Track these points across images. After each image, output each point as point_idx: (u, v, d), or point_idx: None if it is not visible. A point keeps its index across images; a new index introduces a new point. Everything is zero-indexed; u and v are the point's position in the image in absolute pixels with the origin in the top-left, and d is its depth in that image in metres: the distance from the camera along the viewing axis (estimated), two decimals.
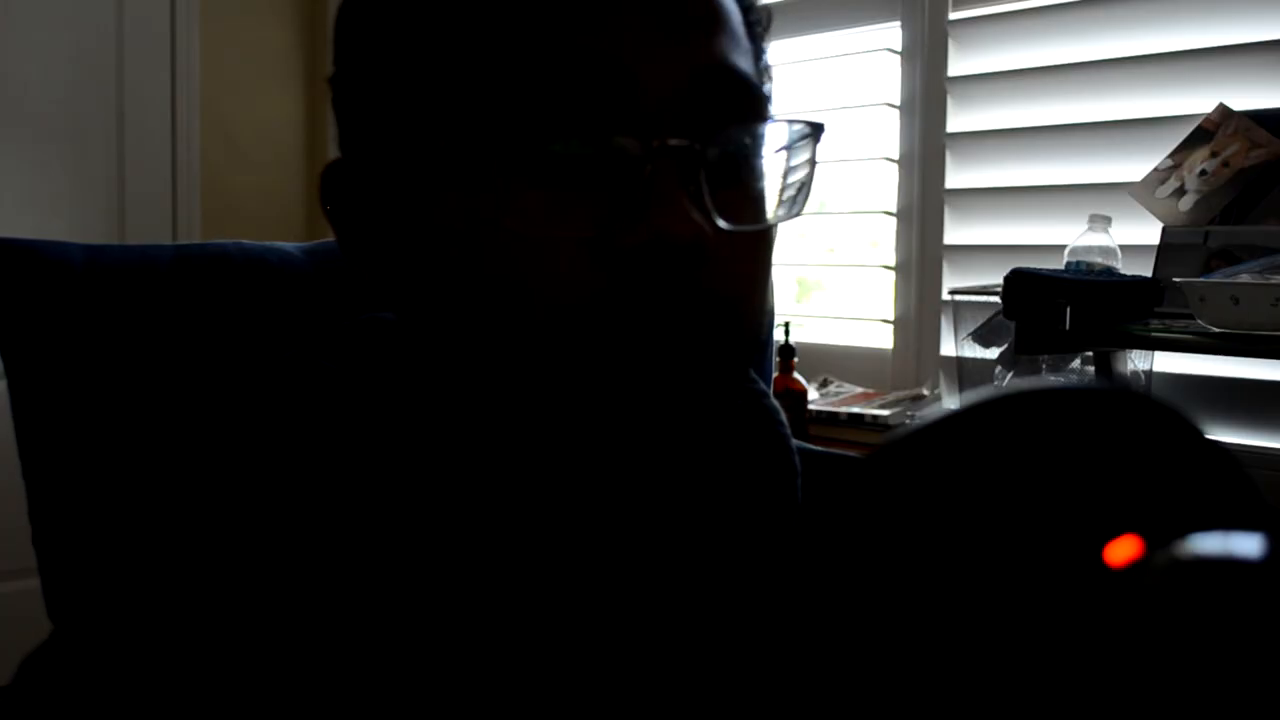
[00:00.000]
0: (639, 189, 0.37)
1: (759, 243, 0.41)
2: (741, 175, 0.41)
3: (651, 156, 0.37)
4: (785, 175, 0.42)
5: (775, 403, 0.50)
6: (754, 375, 0.50)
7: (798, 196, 0.42)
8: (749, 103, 0.41)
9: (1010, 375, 1.49)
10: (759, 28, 0.45)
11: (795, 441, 0.50)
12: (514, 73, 0.38)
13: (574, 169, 0.38)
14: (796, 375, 1.71)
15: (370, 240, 0.45)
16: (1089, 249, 1.40)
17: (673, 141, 0.38)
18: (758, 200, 0.41)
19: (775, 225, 0.42)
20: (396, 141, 0.42)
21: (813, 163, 0.42)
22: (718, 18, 0.41)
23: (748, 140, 0.41)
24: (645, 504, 0.42)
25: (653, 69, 0.38)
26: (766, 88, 0.45)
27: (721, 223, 0.38)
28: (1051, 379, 1.39)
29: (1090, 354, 1.40)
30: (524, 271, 0.38)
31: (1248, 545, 0.23)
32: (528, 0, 0.38)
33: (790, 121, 0.42)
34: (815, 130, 0.42)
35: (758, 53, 0.45)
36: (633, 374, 0.38)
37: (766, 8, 0.47)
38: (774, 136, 0.42)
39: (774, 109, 0.46)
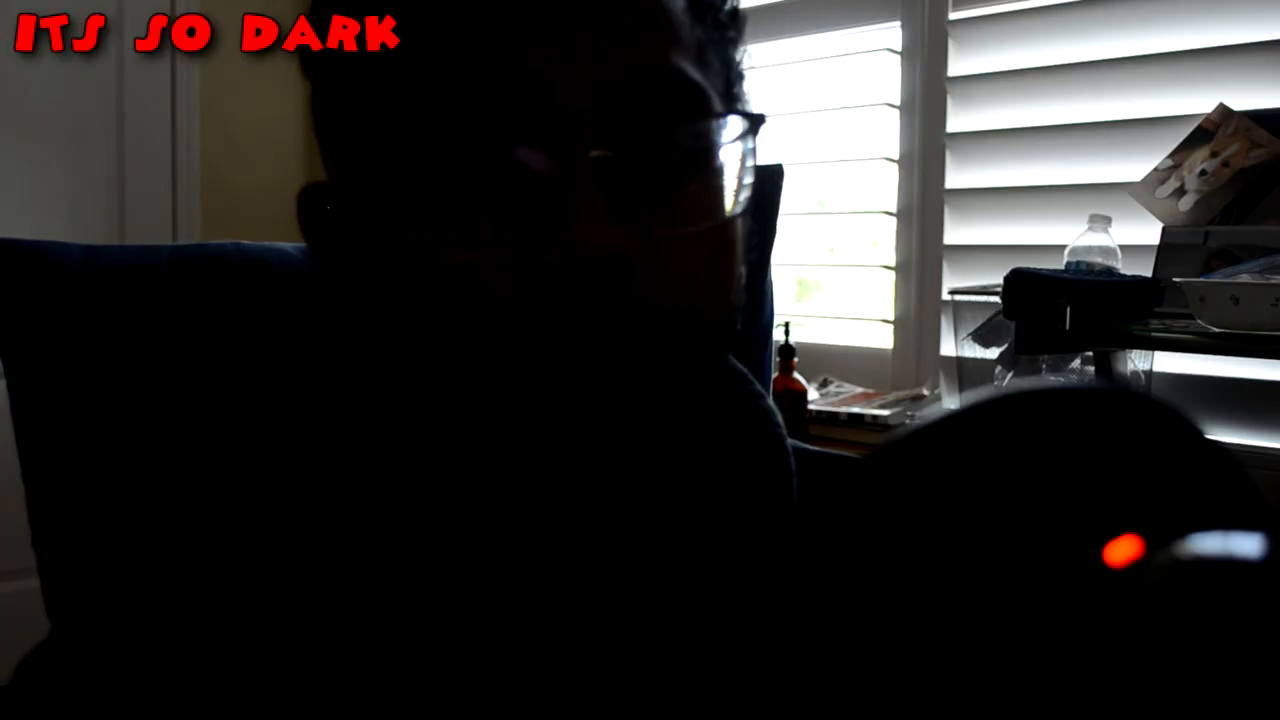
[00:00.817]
0: (550, 203, 0.36)
1: (707, 241, 0.40)
2: (675, 176, 0.39)
3: (564, 168, 0.36)
4: (727, 171, 0.41)
5: (772, 404, 0.50)
6: (750, 377, 0.50)
7: (739, 190, 0.41)
8: (680, 101, 0.40)
9: (1010, 375, 1.49)
10: (714, 14, 0.43)
11: (791, 442, 0.50)
12: (427, 93, 0.38)
13: (486, 187, 0.38)
14: (796, 375, 1.71)
15: (332, 263, 0.45)
16: (1089, 249, 1.40)
17: (590, 152, 0.37)
18: (699, 199, 0.40)
19: (729, 222, 0.41)
20: (349, 166, 0.42)
21: (753, 155, 0.41)
22: (642, 15, 0.39)
23: (681, 140, 0.40)
24: (640, 505, 0.42)
25: (565, 77, 0.37)
26: (724, 76, 0.43)
27: (652, 229, 0.37)
28: (1051, 379, 1.39)
29: (1090, 354, 1.40)
30: (450, 294, 0.38)
31: (1248, 545, 0.23)
32: (441, 19, 0.38)
33: (724, 115, 0.41)
34: (754, 121, 0.41)
35: (714, 39, 0.43)
36: (567, 390, 0.37)
37: None
38: (714, 132, 0.40)
39: (746, 91, 0.44)
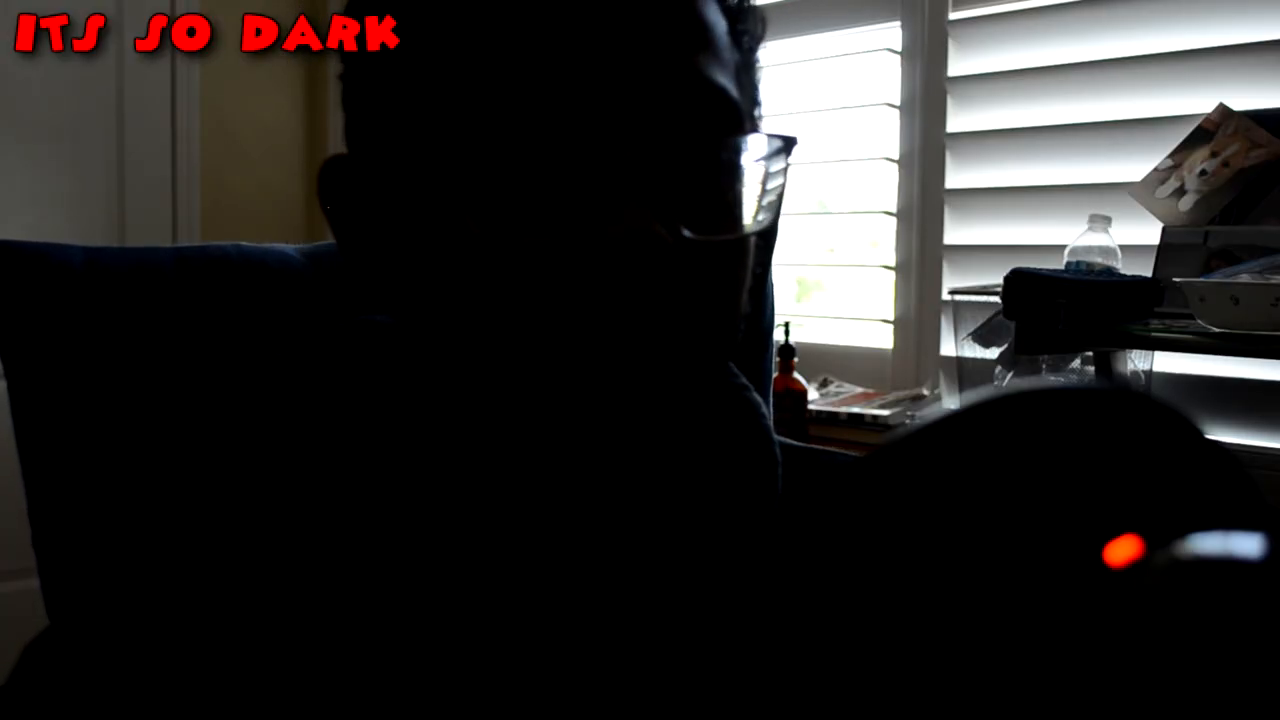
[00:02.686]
0: (601, 200, 0.38)
1: (729, 252, 0.42)
2: (711, 187, 0.41)
3: (615, 168, 0.38)
4: (757, 186, 0.43)
5: (757, 397, 0.51)
6: (735, 370, 0.51)
7: (768, 208, 0.43)
8: (723, 116, 0.42)
9: (1010, 375, 1.49)
10: (748, 38, 0.46)
11: (779, 438, 0.50)
12: (492, 83, 0.39)
13: (539, 177, 0.39)
14: (796, 375, 1.71)
15: (365, 237, 0.45)
16: (1089, 249, 1.40)
17: (639, 154, 0.38)
18: (727, 211, 0.42)
19: (749, 235, 0.43)
20: (392, 140, 0.42)
21: (784, 174, 0.43)
22: (695, 31, 0.41)
23: (719, 153, 0.42)
24: (625, 495, 0.43)
25: (628, 84, 0.39)
26: (751, 98, 0.46)
27: (687, 233, 0.39)
28: (1051, 379, 1.39)
29: (1090, 354, 1.40)
30: (491, 273, 0.39)
31: (1248, 545, 0.23)
32: (512, 14, 0.39)
33: (763, 135, 0.43)
34: (788, 143, 0.43)
35: (747, 64, 0.45)
36: (598, 374, 0.39)
37: (761, 18, 0.47)
38: (748, 149, 0.43)
39: (764, 116, 0.47)
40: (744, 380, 0.51)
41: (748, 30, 0.46)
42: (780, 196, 0.43)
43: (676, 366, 0.40)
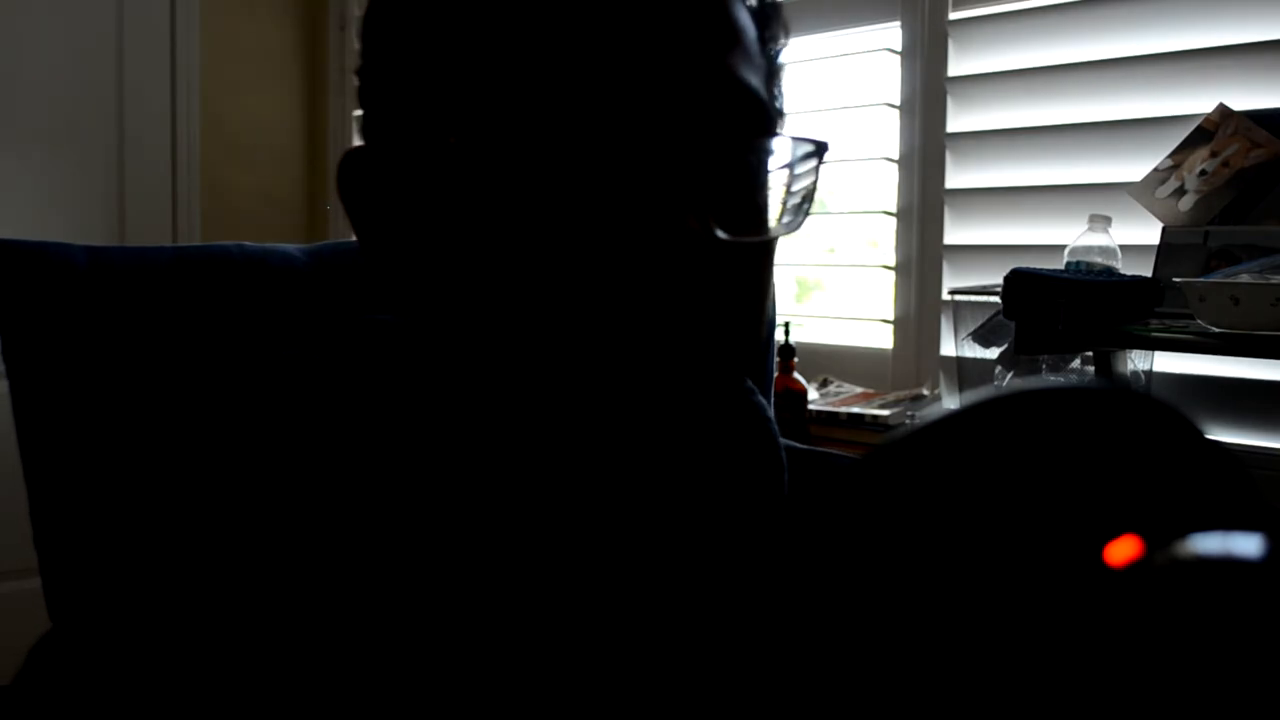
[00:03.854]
0: (638, 197, 0.38)
1: (758, 254, 0.42)
2: (744, 189, 0.42)
3: (648, 164, 0.38)
4: (787, 190, 0.43)
5: (763, 400, 0.51)
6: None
7: (799, 211, 0.43)
8: (756, 118, 0.42)
9: (1010, 375, 1.49)
10: (775, 44, 0.46)
11: (782, 440, 0.50)
12: (525, 76, 0.39)
13: (575, 174, 0.39)
14: (796, 375, 1.71)
15: (386, 231, 0.45)
16: (1089, 249, 1.40)
17: (671, 151, 0.38)
18: (758, 213, 0.42)
19: (775, 238, 0.43)
20: (417, 132, 0.42)
21: (815, 179, 0.43)
22: (731, 34, 0.42)
23: (752, 155, 0.42)
24: (632, 497, 0.43)
25: (663, 83, 0.39)
26: (778, 102, 0.46)
27: (720, 233, 0.39)
28: (1051, 379, 1.39)
29: (1090, 354, 1.40)
30: (518, 268, 0.39)
31: (1248, 545, 0.23)
32: (544, 7, 0.39)
33: (796, 139, 0.43)
34: (820, 148, 0.43)
35: (773, 69, 0.46)
36: (619, 373, 0.39)
37: (785, 24, 0.47)
38: (779, 152, 0.43)
39: (786, 120, 0.47)
40: (750, 384, 0.51)
41: (773, 36, 0.46)
42: (808, 199, 0.43)
43: (702, 367, 0.40)
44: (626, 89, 0.39)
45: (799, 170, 0.43)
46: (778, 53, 0.47)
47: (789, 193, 0.43)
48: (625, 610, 0.42)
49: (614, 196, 0.38)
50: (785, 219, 0.43)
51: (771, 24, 0.46)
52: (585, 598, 0.42)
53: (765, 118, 0.43)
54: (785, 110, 0.47)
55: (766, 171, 0.42)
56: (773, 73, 0.46)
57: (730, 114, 0.41)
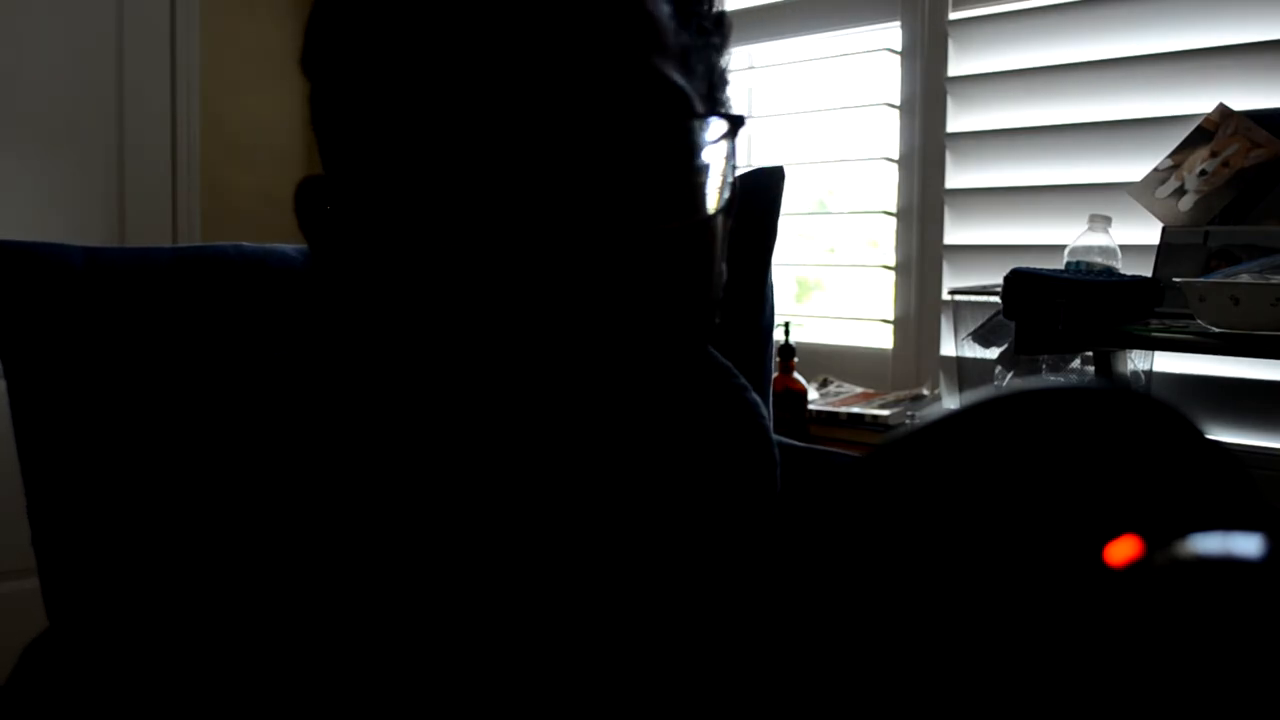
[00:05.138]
0: (541, 199, 0.38)
1: (685, 238, 0.42)
2: (658, 175, 0.41)
3: (555, 166, 0.38)
4: (708, 171, 0.42)
5: (756, 397, 0.51)
6: (734, 370, 0.51)
7: (722, 190, 0.43)
8: (663, 104, 0.41)
9: (1010, 375, 1.49)
10: (699, 21, 0.45)
11: (778, 438, 0.50)
12: (445, 91, 0.39)
13: (481, 186, 0.39)
14: (796, 375, 1.71)
15: (332, 256, 0.45)
16: (1089, 249, 1.40)
17: (574, 149, 0.38)
18: (676, 198, 0.42)
19: (707, 219, 0.43)
20: (360, 156, 0.42)
21: (734, 155, 0.43)
22: (627, 22, 0.41)
23: (661, 140, 0.41)
24: (622, 495, 0.43)
25: (555, 79, 0.39)
26: (707, 79, 0.45)
27: (635, 225, 0.39)
28: (1051, 379, 1.39)
29: (1090, 354, 1.40)
30: (458, 279, 0.39)
31: (1248, 545, 0.23)
32: (461, 26, 0.39)
33: (705, 116, 0.42)
34: (734, 123, 0.43)
35: (700, 48, 0.45)
36: (554, 381, 0.39)
37: None
38: (693, 134, 0.42)
39: (730, 101, 0.46)
40: (743, 380, 0.51)
41: (700, 8, 0.45)
42: (729, 177, 0.43)
43: (650, 354, 0.40)
44: (538, 93, 0.39)
45: (715, 151, 0.43)
46: (706, 26, 0.45)
47: (708, 175, 0.42)
48: (616, 608, 0.42)
49: (530, 203, 0.38)
50: (710, 201, 0.42)
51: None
52: (575, 596, 0.42)
53: (680, 102, 0.42)
54: (724, 80, 0.46)
55: (680, 155, 0.42)
56: (701, 48, 0.45)
57: (640, 104, 0.40)
